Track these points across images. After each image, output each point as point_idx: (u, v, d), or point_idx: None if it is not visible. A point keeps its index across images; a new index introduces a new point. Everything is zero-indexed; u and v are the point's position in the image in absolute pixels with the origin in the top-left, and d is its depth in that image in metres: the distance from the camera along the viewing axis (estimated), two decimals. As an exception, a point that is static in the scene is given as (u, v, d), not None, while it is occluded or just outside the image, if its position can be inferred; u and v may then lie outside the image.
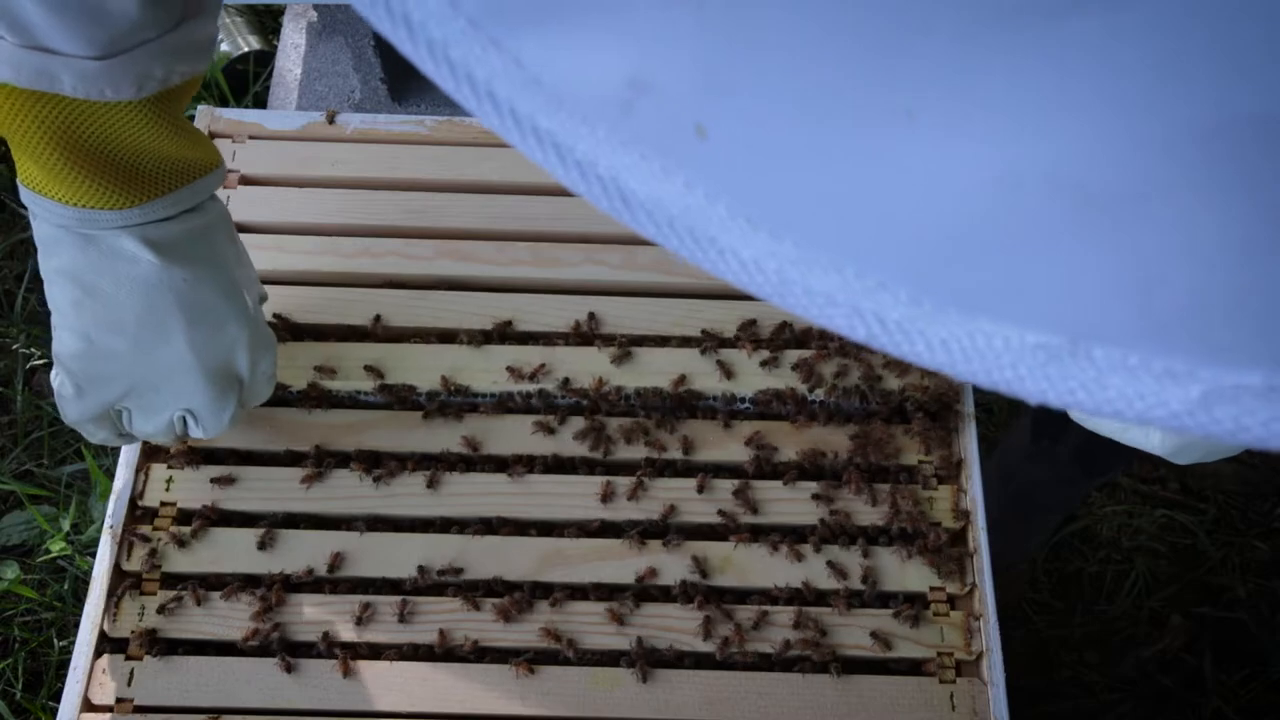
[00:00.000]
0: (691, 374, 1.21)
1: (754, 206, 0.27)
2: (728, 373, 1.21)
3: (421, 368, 1.21)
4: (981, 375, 0.29)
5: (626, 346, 1.22)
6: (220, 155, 0.97)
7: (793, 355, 1.22)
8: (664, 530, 1.15)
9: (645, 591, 1.12)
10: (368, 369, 1.20)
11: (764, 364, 1.22)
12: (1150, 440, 0.96)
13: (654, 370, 1.22)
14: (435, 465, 1.17)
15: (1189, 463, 0.96)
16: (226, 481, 1.15)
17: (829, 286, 0.27)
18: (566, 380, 1.20)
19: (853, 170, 0.27)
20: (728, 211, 0.27)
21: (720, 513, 1.15)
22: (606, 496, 1.15)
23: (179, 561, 1.11)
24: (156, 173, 0.90)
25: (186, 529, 1.13)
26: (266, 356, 1.04)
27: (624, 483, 1.16)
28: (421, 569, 1.12)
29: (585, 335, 1.24)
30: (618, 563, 1.13)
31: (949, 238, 0.27)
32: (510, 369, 1.21)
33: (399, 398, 1.19)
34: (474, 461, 1.18)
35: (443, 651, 1.09)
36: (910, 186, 0.27)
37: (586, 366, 1.21)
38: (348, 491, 1.16)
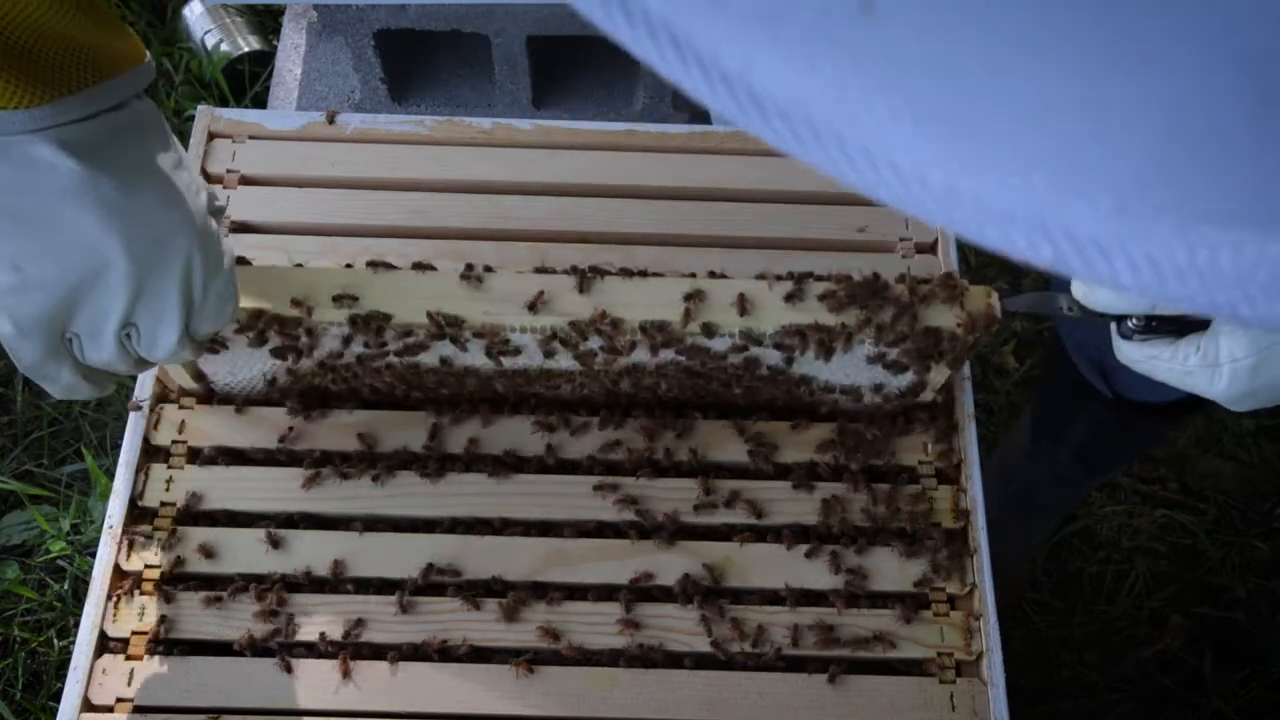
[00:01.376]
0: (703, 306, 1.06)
1: (922, 104, 0.22)
2: (743, 308, 1.05)
3: (406, 299, 1.05)
4: (1198, 298, 0.24)
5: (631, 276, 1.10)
6: (145, 50, 0.86)
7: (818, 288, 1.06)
8: (665, 530, 1.15)
9: (646, 591, 1.12)
10: (338, 299, 1.04)
11: (788, 298, 1.05)
12: (1215, 387, 0.91)
13: (662, 304, 1.06)
14: (435, 465, 1.17)
15: (1247, 409, 0.93)
16: (226, 482, 1.15)
17: (1009, 199, 0.23)
18: (570, 324, 1.05)
19: (1039, 68, 0.22)
20: (889, 111, 0.22)
21: (721, 513, 1.15)
22: (607, 496, 1.15)
23: (180, 561, 1.11)
24: (66, 63, 0.79)
25: (187, 529, 1.13)
26: (219, 275, 0.90)
27: (624, 483, 1.16)
28: (421, 569, 1.11)
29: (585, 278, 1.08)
30: (617, 563, 1.13)
31: (1160, 136, 0.22)
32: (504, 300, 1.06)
33: (377, 331, 1.05)
34: (473, 461, 1.18)
35: (442, 652, 1.09)
36: (1107, 92, 0.21)
37: (584, 308, 1.06)
38: (347, 491, 1.16)
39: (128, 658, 1.07)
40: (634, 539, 1.13)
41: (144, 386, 1.19)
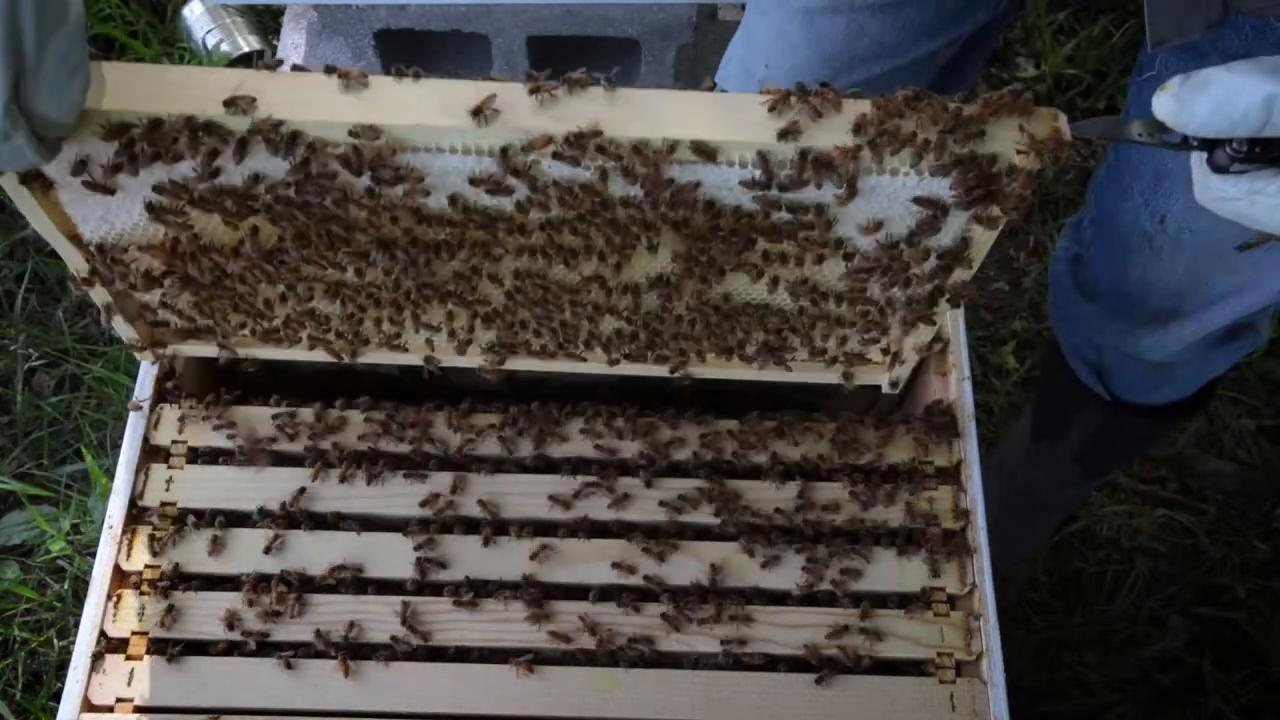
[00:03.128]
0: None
1: None
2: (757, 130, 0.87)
3: (318, 106, 0.85)
4: None
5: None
6: None
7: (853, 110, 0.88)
8: (662, 531, 1.15)
9: (646, 592, 1.12)
10: (230, 104, 0.83)
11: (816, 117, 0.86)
12: None
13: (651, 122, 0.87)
14: (437, 465, 1.17)
15: None
16: (226, 482, 1.15)
17: None
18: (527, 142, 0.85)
19: None
20: None
21: (719, 513, 1.15)
22: (610, 497, 1.15)
23: (179, 562, 1.11)
24: None
25: (187, 529, 1.13)
26: (62, 28, 0.72)
27: (625, 483, 1.16)
28: (421, 569, 1.11)
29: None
30: (618, 563, 1.12)
31: None
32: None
33: (287, 145, 0.85)
34: (463, 463, 1.18)
35: (441, 651, 1.09)
36: None
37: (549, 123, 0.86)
38: (347, 492, 1.15)
39: (128, 658, 1.07)
40: (633, 539, 1.13)
41: (144, 386, 1.19)
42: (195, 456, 1.17)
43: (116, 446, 1.56)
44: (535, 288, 1.04)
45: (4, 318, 2.12)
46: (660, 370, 1.19)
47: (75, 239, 0.99)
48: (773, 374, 1.20)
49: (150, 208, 0.93)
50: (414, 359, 1.19)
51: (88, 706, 1.05)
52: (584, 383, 1.35)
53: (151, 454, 1.17)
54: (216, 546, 1.12)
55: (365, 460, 1.17)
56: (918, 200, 0.91)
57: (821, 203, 0.92)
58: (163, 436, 1.17)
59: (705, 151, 0.86)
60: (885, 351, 1.18)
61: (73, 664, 1.07)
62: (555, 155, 0.86)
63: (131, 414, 1.18)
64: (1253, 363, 2.19)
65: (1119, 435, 1.60)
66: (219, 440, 1.17)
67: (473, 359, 1.18)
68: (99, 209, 0.94)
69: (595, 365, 1.19)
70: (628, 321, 1.10)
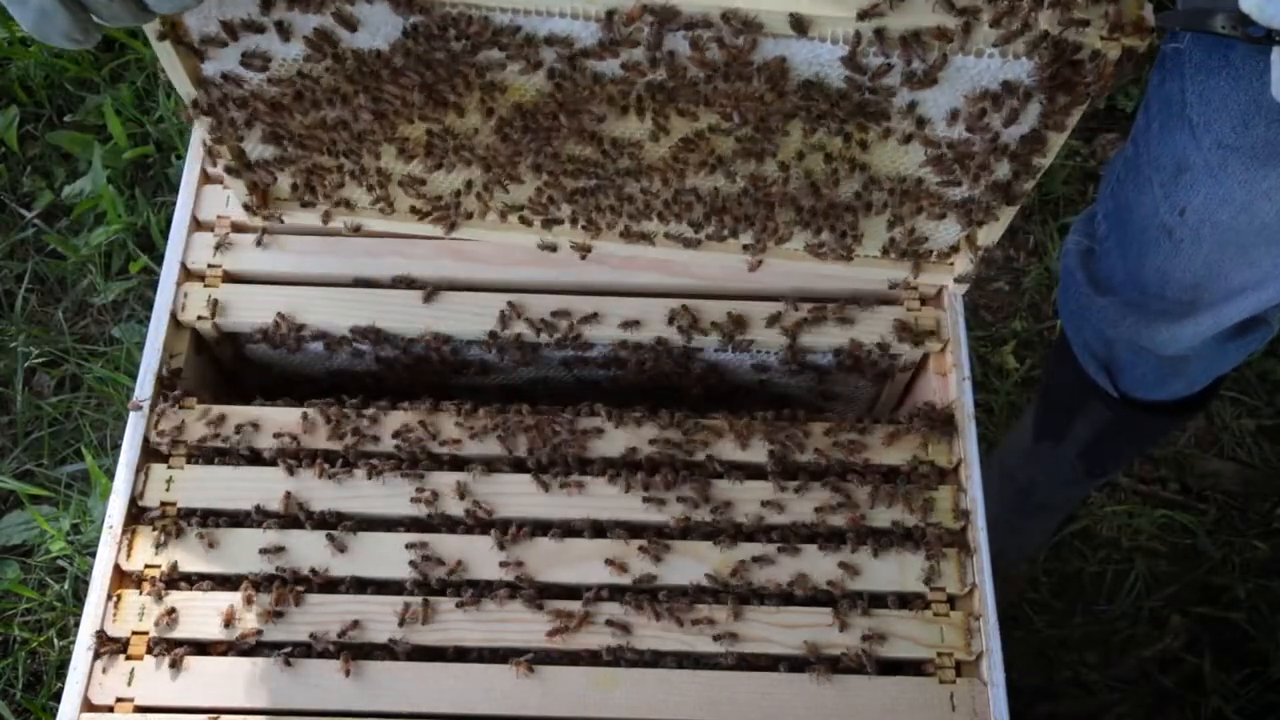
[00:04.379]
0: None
1: None
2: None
3: None
4: None
5: None
6: None
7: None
8: (666, 531, 1.15)
9: (647, 592, 1.12)
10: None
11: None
12: None
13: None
14: (437, 465, 1.17)
15: None
16: (226, 481, 1.15)
17: None
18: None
19: None
20: None
21: (719, 513, 1.15)
22: (610, 497, 1.15)
23: (179, 561, 1.11)
24: None
25: (187, 528, 1.13)
26: None
27: (626, 483, 1.16)
28: (421, 569, 1.11)
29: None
30: (618, 563, 1.12)
31: None
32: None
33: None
34: (464, 463, 1.18)
35: (441, 652, 1.09)
36: None
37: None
38: (346, 491, 1.15)
39: (128, 658, 1.07)
40: (632, 539, 1.13)
41: (144, 386, 1.19)
42: (195, 456, 1.17)
43: (116, 446, 1.56)
44: (628, 157, 1.09)
45: (4, 318, 2.12)
46: (726, 254, 1.23)
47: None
48: (837, 270, 1.23)
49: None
50: (511, 234, 1.23)
51: (88, 706, 1.05)
52: (584, 384, 1.35)
53: (151, 454, 1.17)
54: (216, 546, 1.12)
55: (365, 460, 1.17)
56: (1002, 85, 0.93)
57: (906, 84, 0.95)
58: (162, 437, 1.17)
59: (799, 25, 0.89)
60: (954, 249, 1.20)
61: (73, 664, 1.07)
62: (655, 23, 0.91)
63: (131, 414, 1.18)
64: (1253, 363, 2.19)
65: (1124, 432, 1.60)
66: (219, 440, 1.17)
67: (560, 235, 1.23)
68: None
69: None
70: (705, 202, 1.14)
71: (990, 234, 1.15)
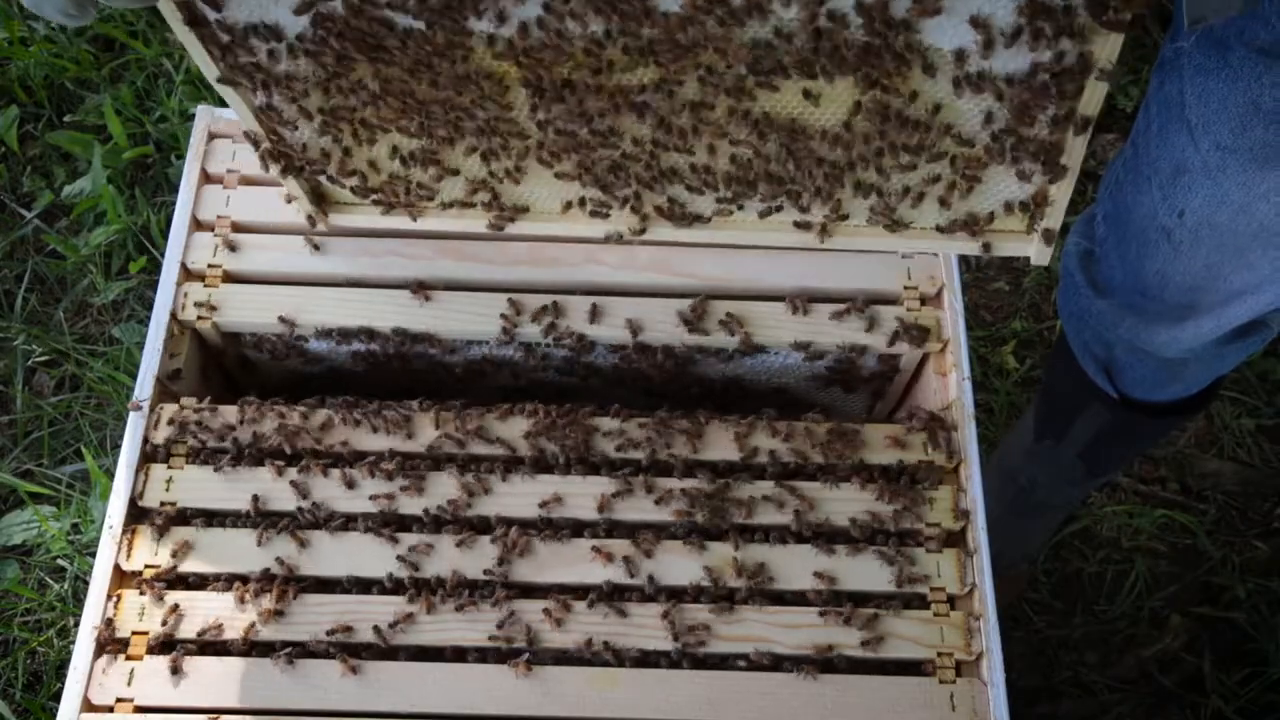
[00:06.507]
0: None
1: None
2: None
3: None
4: None
5: None
6: None
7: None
8: (664, 531, 1.15)
9: (646, 592, 1.12)
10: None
11: None
12: None
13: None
14: (438, 466, 1.17)
15: None
16: (226, 481, 1.15)
17: None
18: None
19: None
20: None
21: (718, 513, 1.15)
22: (610, 498, 1.15)
23: (179, 562, 1.11)
24: None
25: (187, 529, 1.13)
26: None
27: (626, 483, 1.16)
28: (421, 570, 1.11)
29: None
30: (619, 564, 1.12)
31: None
32: None
33: None
34: (465, 463, 1.18)
35: (440, 652, 1.09)
36: None
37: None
38: (347, 491, 1.15)
39: (128, 658, 1.07)
40: (631, 539, 1.13)
41: (144, 386, 1.19)
42: (195, 457, 1.17)
43: (116, 446, 1.56)
44: (658, 114, 1.05)
45: (4, 318, 2.12)
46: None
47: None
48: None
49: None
50: (553, 224, 1.20)
51: (88, 706, 1.05)
52: (584, 384, 1.35)
53: (151, 454, 1.17)
54: (216, 546, 1.12)
55: (365, 460, 1.17)
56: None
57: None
58: (162, 437, 1.17)
59: None
60: (1025, 208, 1.10)
61: (73, 664, 1.07)
62: None
63: (131, 414, 1.18)
64: (1253, 363, 2.19)
65: (1124, 433, 1.60)
66: (219, 440, 1.17)
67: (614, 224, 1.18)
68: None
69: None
70: (741, 165, 1.09)
71: (1063, 190, 1.05)
